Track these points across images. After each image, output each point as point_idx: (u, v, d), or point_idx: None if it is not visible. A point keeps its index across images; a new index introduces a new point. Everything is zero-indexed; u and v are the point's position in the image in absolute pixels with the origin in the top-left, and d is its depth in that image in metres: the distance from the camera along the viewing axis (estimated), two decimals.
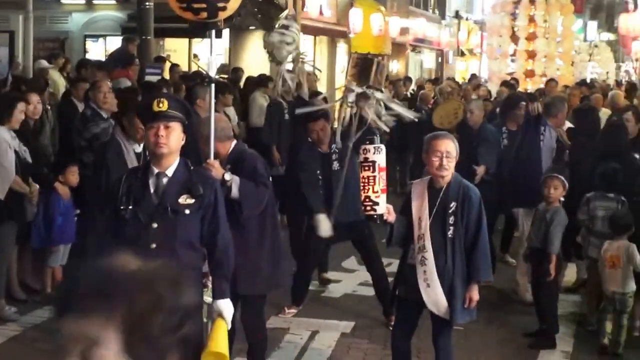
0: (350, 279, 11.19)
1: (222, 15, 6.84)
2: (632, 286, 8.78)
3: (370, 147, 6.72)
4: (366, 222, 7.97)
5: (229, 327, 5.76)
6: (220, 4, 6.75)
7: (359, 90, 8.26)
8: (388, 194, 7.24)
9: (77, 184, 9.99)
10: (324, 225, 9.05)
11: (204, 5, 6.74)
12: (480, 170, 10.65)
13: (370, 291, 10.01)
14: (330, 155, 9.26)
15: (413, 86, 26.55)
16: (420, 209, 6.88)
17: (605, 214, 9.31)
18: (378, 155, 6.68)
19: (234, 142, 7.34)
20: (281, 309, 9.53)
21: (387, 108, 8.25)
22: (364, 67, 7.37)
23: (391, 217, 6.88)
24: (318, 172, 9.26)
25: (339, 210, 8.52)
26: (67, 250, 10.16)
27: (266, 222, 7.23)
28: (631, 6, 59.92)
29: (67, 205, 9.96)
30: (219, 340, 5.57)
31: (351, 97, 8.31)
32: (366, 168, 6.69)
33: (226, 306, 5.71)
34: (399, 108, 8.77)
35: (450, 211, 6.80)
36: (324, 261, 10.78)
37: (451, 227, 6.79)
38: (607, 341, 8.81)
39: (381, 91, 9.10)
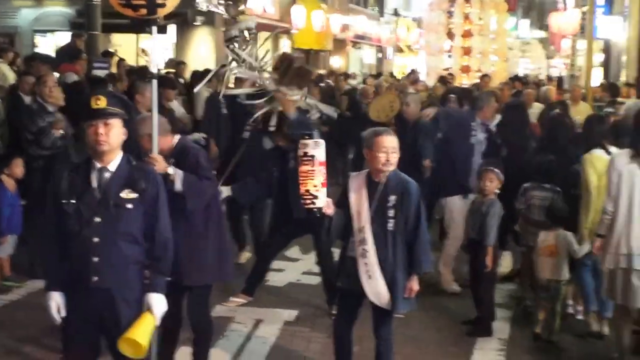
0: (293, 268, 11.06)
1: (162, 12, 6.68)
2: (566, 274, 8.77)
3: (309, 141, 6.57)
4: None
5: (158, 322, 5.55)
6: (159, 1, 6.60)
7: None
8: (331, 186, 7.12)
9: (22, 176, 9.81)
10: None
11: (143, 2, 6.58)
12: (427, 163, 10.63)
13: (313, 280, 9.93)
14: (289, 153, 9.10)
15: (359, 80, 26.60)
16: (359, 202, 6.78)
17: (542, 203, 9.33)
18: (317, 149, 6.53)
19: (178, 136, 7.17)
20: (226, 297, 9.38)
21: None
22: (286, 68, 7.26)
23: (330, 210, 6.74)
24: (274, 169, 9.24)
25: (298, 207, 8.46)
26: (14, 240, 9.96)
27: (211, 215, 7.08)
28: (561, 5, 60.36)
29: (14, 197, 9.78)
30: (138, 329, 5.35)
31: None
32: (305, 162, 6.55)
33: (157, 301, 5.52)
34: (321, 105, 8.78)
35: (390, 204, 6.70)
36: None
37: (391, 220, 6.69)
38: (539, 330, 8.79)
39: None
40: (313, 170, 6.53)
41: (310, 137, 6.66)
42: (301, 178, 6.58)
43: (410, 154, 10.40)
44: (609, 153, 8.57)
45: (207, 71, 16.76)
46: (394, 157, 6.70)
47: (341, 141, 17.65)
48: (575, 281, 9.03)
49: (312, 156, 6.54)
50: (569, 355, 8.55)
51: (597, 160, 8.59)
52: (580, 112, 12.20)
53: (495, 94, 13.36)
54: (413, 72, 35.48)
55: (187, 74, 18.80)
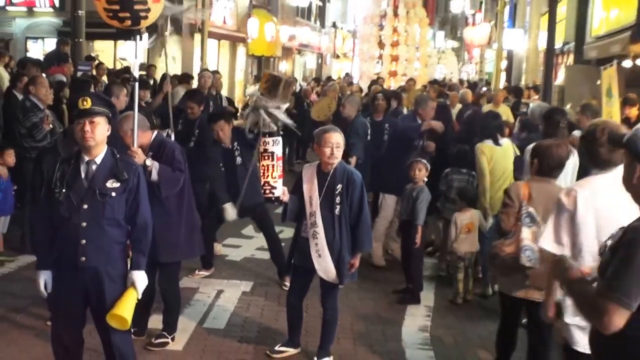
0: (248, 245, 10.92)
1: (144, 23, 6.62)
2: (478, 246, 9.06)
3: (270, 139, 6.59)
4: (264, 203, 7.72)
5: (139, 296, 5.42)
6: (142, 14, 6.51)
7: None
8: None
9: (14, 164, 9.66)
10: (230, 212, 8.88)
11: (128, 15, 6.49)
12: (352, 161, 10.36)
13: (265, 255, 9.79)
14: (232, 151, 9.09)
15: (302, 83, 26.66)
16: (311, 190, 6.73)
17: (459, 184, 9.77)
18: (276, 146, 6.58)
19: (155, 132, 7.07)
20: (192, 271, 9.25)
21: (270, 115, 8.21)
22: (274, 84, 7.20)
23: (285, 197, 6.72)
24: (221, 164, 9.10)
25: (245, 195, 8.31)
26: (6, 220, 9.77)
27: (183, 201, 7.02)
28: (470, 20, 61.03)
29: (6, 183, 9.62)
30: (124, 305, 5.26)
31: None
32: (266, 157, 6.55)
33: (140, 277, 5.39)
34: (284, 118, 8.78)
35: (337, 192, 6.65)
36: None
37: (338, 206, 6.65)
38: (459, 299, 8.94)
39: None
40: (273, 164, 6.61)
41: (271, 135, 6.61)
42: (262, 171, 6.56)
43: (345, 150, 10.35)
44: (498, 143, 9.00)
45: (184, 74, 16.86)
46: (339, 152, 6.68)
47: (287, 135, 17.64)
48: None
49: (272, 152, 6.61)
50: (479, 312, 8.62)
51: (487, 148, 8.97)
52: (502, 113, 12.28)
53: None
54: (347, 75, 35.73)
55: (157, 76, 18.74)
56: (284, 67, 38.85)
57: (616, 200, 4.21)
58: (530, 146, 6.62)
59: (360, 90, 23.35)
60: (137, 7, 6.45)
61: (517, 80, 38.02)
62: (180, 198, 6.97)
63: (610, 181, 4.59)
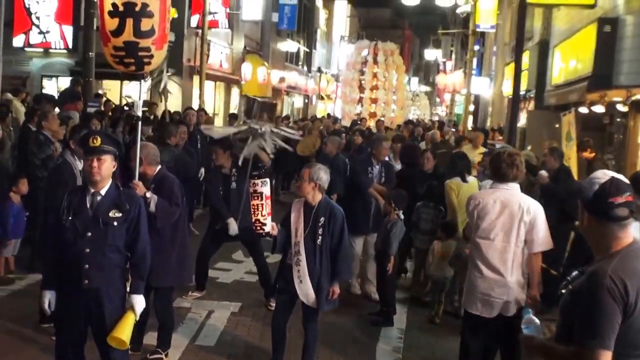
0: (238, 269, 10.79)
1: (148, 68, 6.60)
2: (451, 272, 9.05)
3: (258, 181, 6.58)
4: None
5: (137, 318, 5.38)
6: (146, 60, 6.49)
7: (256, 127, 8.27)
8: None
9: (27, 192, 9.58)
10: (233, 226, 8.88)
11: (132, 60, 6.47)
12: (334, 197, 10.22)
13: (253, 278, 9.71)
14: (230, 176, 9.07)
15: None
16: (297, 222, 6.71)
17: (427, 217, 9.79)
18: (264, 187, 6.55)
19: (159, 166, 7.10)
20: (186, 292, 9.17)
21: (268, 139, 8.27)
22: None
23: (275, 231, 6.67)
24: (220, 188, 9.07)
25: (242, 217, 8.31)
26: (17, 243, 9.69)
27: (177, 231, 7.03)
28: (442, 67, 61.31)
29: (19, 209, 9.54)
30: (124, 328, 5.22)
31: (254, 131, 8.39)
32: (255, 197, 6.54)
33: (138, 300, 5.35)
34: (279, 141, 8.87)
35: (319, 224, 6.63)
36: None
37: (320, 237, 6.62)
38: (437, 319, 8.99)
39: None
40: (262, 204, 6.56)
41: (259, 177, 6.59)
42: (252, 210, 6.55)
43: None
44: (465, 180, 9.22)
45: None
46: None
47: (274, 168, 17.71)
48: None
49: (261, 193, 6.57)
50: (447, 332, 8.49)
51: (454, 185, 9.19)
52: (480, 154, 12.38)
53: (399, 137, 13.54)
54: (330, 115, 35.85)
55: (158, 113, 18.72)
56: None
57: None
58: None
59: (346, 130, 23.35)
60: (141, 53, 6.44)
61: (483, 122, 38.18)
62: (174, 229, 6.97)
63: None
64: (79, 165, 7.41)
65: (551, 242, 6.09)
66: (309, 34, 46.80)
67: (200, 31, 25.12)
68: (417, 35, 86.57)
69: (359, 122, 25.86)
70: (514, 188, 6.16)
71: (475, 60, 35.82)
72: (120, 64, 6.50)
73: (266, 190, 6.54)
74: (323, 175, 6.71)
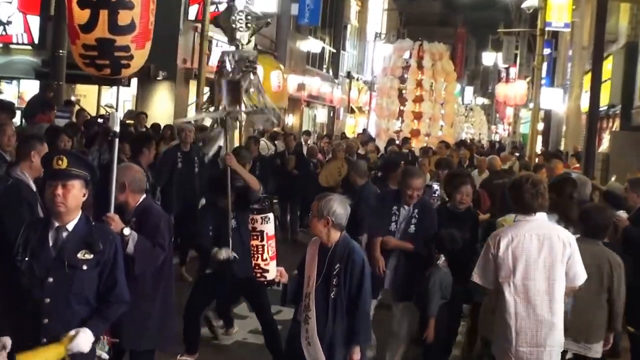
0: (241, 326, 10.66)
1: (126, 72, 6.55)
2: None
3: (258, 217, 6.49)
4: None
5: (65, 356, 5.11)
6: (124, 62, 6.44)
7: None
8: (279, 242, 7.01)
9: None
10: (223, 252, 8.76)
11: (107, 62, 6.44)
12: (364, 240, 9.75)
13: (261, 339, 9.63)
14: (228, 212, 9.01)
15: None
16: (311, 267, 6.65)
17: None
18: (266, 224, 6.48)
19: (144, 195, 7.03)
20: (173, 356, 9.06)
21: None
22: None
23: (284, 278, 6.64)
24: (210, 228, 9.10)
25: (237, 266, 8.23)
26: None
27: (160, 280, 6.90)
28: (503, 74, 61.34)
29: None
30: (38, 354, 4.99)
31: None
32: (255, 237, 6.48)
33: (83, 339, 5.08)
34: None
35: (334, 272, 6.52)
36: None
37: (335, 288, 6.51)
38: None
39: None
40: (263, 245, 6.51)
41: (260, 212, 6.51)
42: (252, 252, 6.49)
43: (351, 217, 10.13)
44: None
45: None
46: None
47: (290, 198, 17.85)
48: None
49: (261, 231, 6.52)
50: None
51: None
52: None
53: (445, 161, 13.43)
54: (364, 131, 35.70)
55: (148, 124, 18.75)
56: (290, 121, 38.99)
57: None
58: None
59: (377, 150, 23.34)
60: (117, 54, 6.38)
61: (556, 144, 38.08)
62: (157, 277, 6.85)
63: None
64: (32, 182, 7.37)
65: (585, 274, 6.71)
66: (336, 31, 47.01)
67: (199, 25, 25.19)
68: (473, 35, 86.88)
69: (398, 142, 25.80)
70: (543, 218, 6.69)
71: (545, 67, 35.72)
72: (92, 65, 6.47)
73: (268, 228, 6.47)
74: (337, 208, 6.58)
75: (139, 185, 6.95)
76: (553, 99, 37.89)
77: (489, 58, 60.12)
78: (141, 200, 6.95)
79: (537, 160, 23.24)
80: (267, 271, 6.50)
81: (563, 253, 6.53)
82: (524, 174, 7.22)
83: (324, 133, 39.11)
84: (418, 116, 31.56)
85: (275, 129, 25.32)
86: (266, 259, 6.47)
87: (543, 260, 6.53)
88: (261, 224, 6.47)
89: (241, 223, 8.78)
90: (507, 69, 58.61)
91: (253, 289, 8.73)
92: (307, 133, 27.14)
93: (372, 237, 9.28)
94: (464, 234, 8.97)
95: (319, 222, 6.57)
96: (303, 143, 23.15)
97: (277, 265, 6.67)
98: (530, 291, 6.52)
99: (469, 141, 39.75)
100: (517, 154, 26.96)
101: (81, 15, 6.37)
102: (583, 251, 6.76)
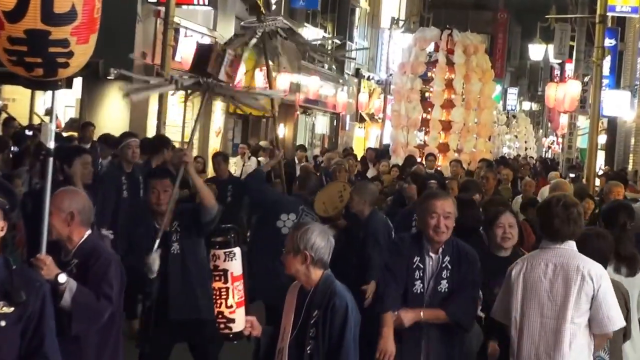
0: None
1: (64, 73, 6.51)
2: None
3: (220, 252, 6.36)
4: (208, 321, 7.66)
5: None
6: (61, 59, 6.41)
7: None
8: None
9: None
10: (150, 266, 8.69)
11: (39, 60, 6.41)
12: (370, 289, 9.54)
13: None
14: (170, 233, 9.03)
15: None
16: (288, 318, 6.66)
17: None
18: (230, 262, 6.35)
19: (89, 231, 7.01)
20: None
21: None
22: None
23: (256, 331, 6.62)
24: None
25: (173, 306, 8.27)
26: None
27: (108, 345, 6.88)
28: (557, 71, 61.36)
29: None
30: None
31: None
32: (217, 278, 6.39)
33: None
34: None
35: (312, 322, 6.52)
36: None
37: (311, 342, 6.50)
38: None
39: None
40: (227, 288, 6.42)
41: (222, 246, 6.44)
42: (214, 297, 6.44)
43: (358, 257, 10.05)
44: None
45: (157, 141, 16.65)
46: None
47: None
48: None
49: (225, 270, 6.42)
50: None
51: None
52: None
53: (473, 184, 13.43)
54: (381, 145, 35.51)
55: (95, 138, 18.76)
56: (282, 132, 38.97)
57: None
58: None
59: (399, 170, 23.19)
60: (53, 49, 6.36)
61: (622, 162, 38.10)
62: (104, 339, 6.84)
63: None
64: None
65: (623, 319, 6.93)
66: (341, 17, 47.11)
67: (163, 9, 25.24)
68: (518, 22, 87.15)
69: (422, 158, 25.67)
70: (571, 247, 6.92)
71: (608, 63, 35.71)
72: (20, 64, 6.46)
73: (234, 266, 6.39)
74: (317, 240, 6.52)
75: (88, 216, 6.95)
76: (618, 104, 37.85)
77: (538, 51, 60.10)
78: (86, 236, 6.92)
79: (598, 182, 23.19)
80: (233, 321, 6.42)
81: (581, 289, 6.74)
82: (557, 194, 7.54)
83: (325, 147, 39.11)
84: (447, 126, 31.28)
85: (261, 142, 25.29)
86: (231, 306, 6.39)
87: (555, 294, 6.81)
88: (224, 261, 6.36)
89: (187, 251, 8.86)
90: (561, 64, 58.67)
91: (199, 340, 8.78)
92: (302, 148, 27.00)
93: (380, 309, 8.08)
94: None
95: (295, 258, 6.53)
96: (296, 161, 23.11)
97: (247, 313, 6.61)
98: (534, 329, 6.87)
99: (511, 158, 39.79)
100: (571, 175, 26.90)
101: (6, 0, 6.35)
102: None
